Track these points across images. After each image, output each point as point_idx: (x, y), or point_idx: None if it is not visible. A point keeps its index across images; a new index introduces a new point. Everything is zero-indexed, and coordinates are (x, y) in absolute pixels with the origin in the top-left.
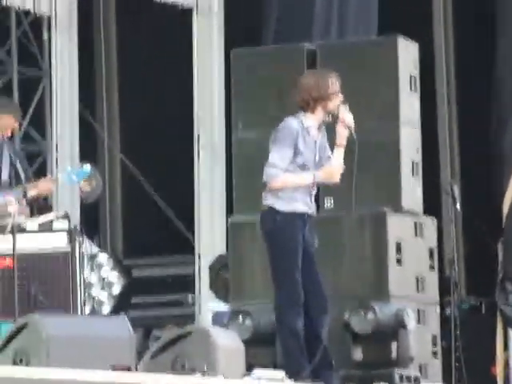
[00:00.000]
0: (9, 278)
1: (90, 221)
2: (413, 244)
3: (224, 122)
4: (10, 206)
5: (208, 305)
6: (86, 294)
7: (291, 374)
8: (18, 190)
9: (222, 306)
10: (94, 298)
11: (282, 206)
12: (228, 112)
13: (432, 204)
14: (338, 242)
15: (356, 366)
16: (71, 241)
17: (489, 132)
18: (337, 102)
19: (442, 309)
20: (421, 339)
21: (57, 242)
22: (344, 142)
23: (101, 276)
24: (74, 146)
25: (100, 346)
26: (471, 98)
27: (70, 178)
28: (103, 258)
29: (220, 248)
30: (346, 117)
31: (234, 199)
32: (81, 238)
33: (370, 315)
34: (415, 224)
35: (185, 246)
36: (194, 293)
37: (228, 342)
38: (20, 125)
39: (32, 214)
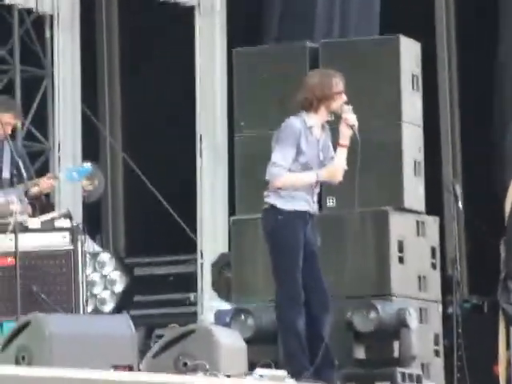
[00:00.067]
0: (11, 277)
1: (92, 219)
2: (415, 243)
3: (226, 121)
4: (11, 205)
5: (210, 303)
6: (88, 292)
7: (293, 374)
8: (20, 188)
9: (224, 305)
10: (96, 297)
11: (284, 204)
12: (230, 111)
13: (434, 203)
14: (340, 240)
15: (358, 365)
16: (73, 239)
17: (491, 131)
18: (340, 102)
19: (444, 308)
20: (423, 338)
21: (59, 240)
22: (347, 142)
23: (103, 274)
24: (76, 144)
25: (102, 344)
26: (473, 98)
27: (70, 175)
28: (105, 256)
29: (222, 247)
30: (350, 117)
31: (236, 199)
32: (83, 237)
33: (373, 314)
34: (417, 223)
35: (187, 244)
36: (196, 291)
37: (230, 341)
38: (22, 124)
39: (34, 213)
